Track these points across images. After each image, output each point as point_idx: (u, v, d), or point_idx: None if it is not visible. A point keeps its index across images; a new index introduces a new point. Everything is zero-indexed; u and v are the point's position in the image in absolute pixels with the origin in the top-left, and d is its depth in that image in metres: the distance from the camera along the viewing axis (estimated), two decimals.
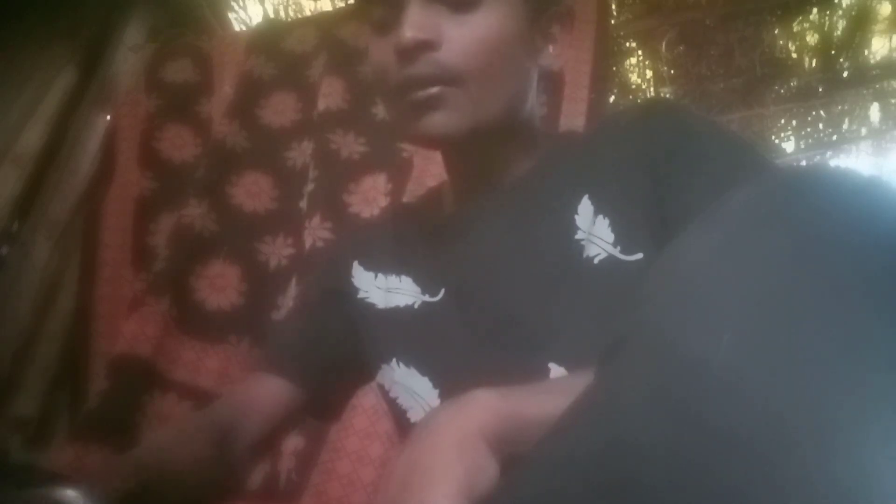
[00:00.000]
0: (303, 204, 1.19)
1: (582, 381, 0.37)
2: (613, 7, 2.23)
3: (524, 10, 0.63)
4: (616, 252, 0.59)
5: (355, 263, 0.74)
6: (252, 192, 1.25)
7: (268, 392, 0.72)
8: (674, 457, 0.29)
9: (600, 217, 0.61)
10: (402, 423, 0.68)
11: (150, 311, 1.04)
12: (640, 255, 0.58)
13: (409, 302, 0.68)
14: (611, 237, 0.60)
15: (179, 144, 1.37)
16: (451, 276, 0.67)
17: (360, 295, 0.72)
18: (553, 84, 1.18)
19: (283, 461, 0.80)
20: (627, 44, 2.55)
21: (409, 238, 0.73)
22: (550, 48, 0.67)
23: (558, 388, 0.41)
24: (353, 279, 0.73)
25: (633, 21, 2.44)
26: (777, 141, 2.81)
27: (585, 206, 0.63)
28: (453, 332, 0.65)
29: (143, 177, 1.34)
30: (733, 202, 0.36)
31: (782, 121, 2.81)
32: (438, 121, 0.60)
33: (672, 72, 2.54)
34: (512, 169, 0.68)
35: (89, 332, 1.23)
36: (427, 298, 0.68)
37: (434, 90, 0.59)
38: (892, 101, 2.82)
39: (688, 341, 0.31)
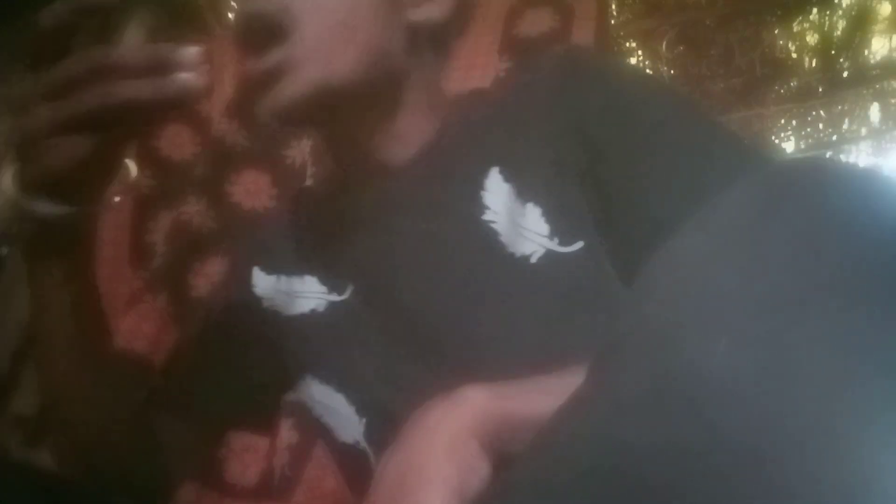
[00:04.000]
0: None
1: (576, 380, 0.36)
2: (613, 7, 2.23)
3: None
4: (554, 245, 0.52)
5: (255, 270, 0.66)
6: (251, 190, 1.26)
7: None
8: (671, 460, 0.28)
9: (530, 205, 0.54)
10: (332, 444, 0.63)
11: (148, 307, 1.05)
12: (580, 244, 0.53)
13: (313, 306, 0.61)
14: (545, 228, 0.53)
15: (178, 143, 1.38)
16: (357, 271, 0.60)
17: (265, 304, 0.65)
18: None
19: (278, 456, 0.80)
20: (627, 44, 2.55)
21: (310, 228, 0.65)
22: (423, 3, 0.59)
23: (552, 388, 0.40)
24: (254, 289, 0.65)
25: (633, 21, 2.44)
26: (777, 141, 2.81)
27: (496, 182, 0.55)
28: (365, 338, 0.58)
29: (141, 175, 1.35)
30: (729, 199, 0.35)
31: (782, 121, 2.80)
32: (280, 91, 0.54)
33: (672, 72, 2.54)
34: (403, 141, 0.60)
35: None
36: (334, 298, 0.60)
37: (269, 57, 0.53)
38: (892, 101, 2.81)
39: (685, 344, 0.30)
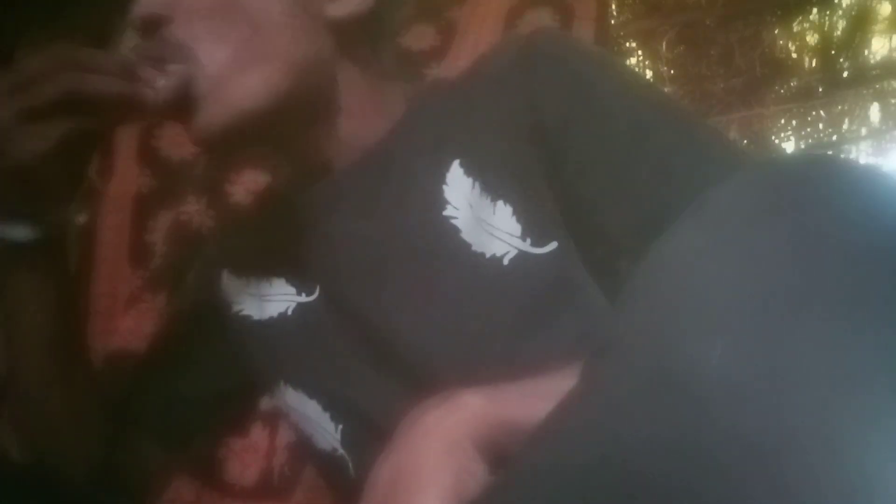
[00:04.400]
0: None
1: (570, 383, 0.36)
2: (613, 7, 2.23)
3: None
4: (526, 246, 0.51)
5: (225, 273, 0.65)
6: (251, 189, 1.26)
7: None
8: (669, 458, 0.28)
9: (500, 203, 0.52)
10: (311, 451, 0.62)
11: (147, 307, 1.05)
12: (553, 245, 0.51)
13: (282, 309, 0.59)
14: (517, 229, 0.51)
15: (179, 142, 1.37)
16: (324, 272, 0.58)
17: (235, 309, 0.63)
18: None
19: (277, 456, 0.81)
20: (627, 44, 2.55)
21: (279, 228, 0.63)
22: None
23: (547, 391, 0.39)
24: (223, 293, 0.64)
25: (633, 21, 2.44)
26: (777, 141, 2.81)
27: (457, 176, 0.53)
28: (333, 341, 0.57)
29: (141, 174, 1.35)
30: (726, 195, 0.35)
31: (782, 121, 2.80)
32: (199, 118, 0.51)
33: (672, 72, 2.54)
34: (350, 143, 0.57)
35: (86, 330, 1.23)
36: (302, 299, 0.59)
37: (174, 82, 0.50)
38: (892, 101, 2.81)
39: (683, 342, 0.30)
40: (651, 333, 0.32)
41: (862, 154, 2.90)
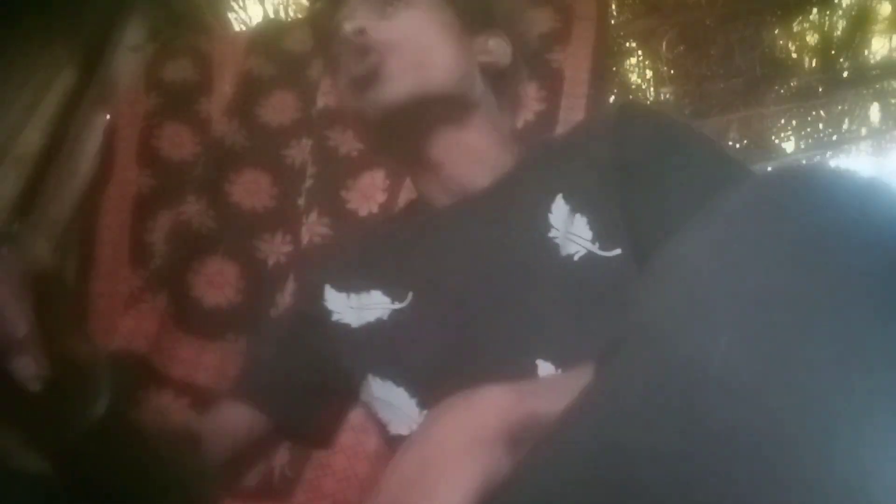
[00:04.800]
0: (301, 201, 1.19)
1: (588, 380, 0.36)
2: (613, 7, 2.23)
3: (453, 15, 0.71)
4: (595, 249, 0.61)
5: (327, 287, 0.74)
6: (251, 189, 1.26)
7: (229, 418, 0.71)
8: (672, 459, 0.29)
9: (578, 215, 0.63)
10: (385, 438, 0.69)
11: (147, 307, 1.05)
12: (618, 251, 0.60)
13: (380, 315, 0.69)
14: (589, 234, 0.61)
15: (178, 143, 1.37)
16: (419, 278, 0.68)
17: (335, 318, 0.72)
18: (553, 81, 1.19)
19: (277, 456, 0.80)
20: (627, 44, 2.55)
21: (378, 250, 0.74)
22: (490, 50, 0.73)
23: (567, 387, 0.40)
24: (325, 303, 0.73)
25: (633, 21, 2.44)
26: (777, 141, 2.81)
27: (559, 206, 0.64)
28: (424, 335, 0.65)
29: (141, 175, 1.35)
30: (730, 201, 0.35)
31: (782, 121, 2.81)
32: (380, 90, 0.65)
33: (672, 72, 2.54)
34: (479, 174, 0.70)
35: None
36: (396, 306, 0.68)
37: (370, 61, 0.65)
38: (892, 101, 2.81)
39: (686, 342, 0.30)
40: (656, 333, 0.32)
41: (862, 154, 2.91)
